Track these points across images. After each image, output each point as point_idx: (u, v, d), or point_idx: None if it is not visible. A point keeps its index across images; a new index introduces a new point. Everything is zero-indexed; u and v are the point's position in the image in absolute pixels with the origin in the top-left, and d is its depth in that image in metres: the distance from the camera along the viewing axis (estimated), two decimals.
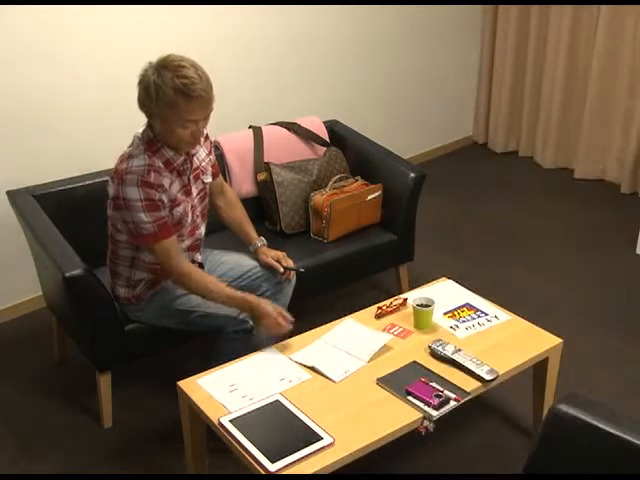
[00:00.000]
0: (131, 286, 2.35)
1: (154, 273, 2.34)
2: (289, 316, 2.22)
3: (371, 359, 2.13)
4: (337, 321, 2.32)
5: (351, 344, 2.19)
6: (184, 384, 2.05)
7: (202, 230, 2.41)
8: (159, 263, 2.24)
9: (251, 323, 2.27)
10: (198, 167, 2.32)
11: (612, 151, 4.38)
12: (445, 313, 2.37)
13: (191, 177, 2.29)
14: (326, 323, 2.31)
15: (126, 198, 2.11)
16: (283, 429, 1.87)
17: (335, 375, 2.06)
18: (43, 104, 2.95)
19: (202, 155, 2.35)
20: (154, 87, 2.04)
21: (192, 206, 2.32)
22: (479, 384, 2.04)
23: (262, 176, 3.02)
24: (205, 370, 2.10)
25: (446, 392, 1.97)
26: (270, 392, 2.00)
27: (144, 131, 2.20)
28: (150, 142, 2.17)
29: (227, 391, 2.01)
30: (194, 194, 2.32)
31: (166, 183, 2.18)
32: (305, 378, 2.06)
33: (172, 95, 2.03)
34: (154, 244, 2.18)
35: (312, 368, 2.09)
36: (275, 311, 2.20)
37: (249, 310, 2.22)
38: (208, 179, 2.39)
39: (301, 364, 2.11)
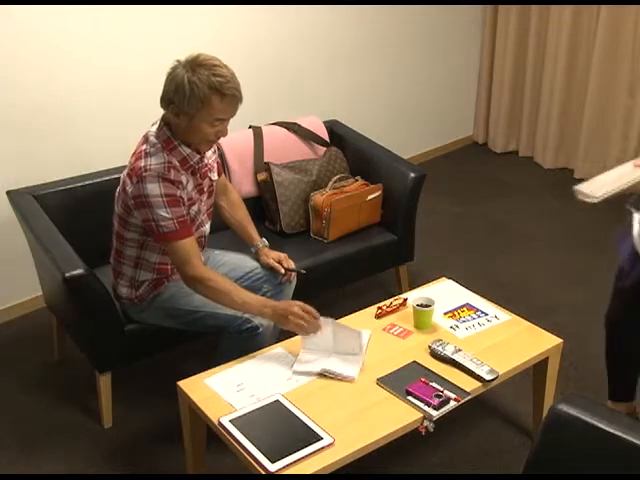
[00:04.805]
0: (134, 286, 2.35)
1: (159, 274, 2.34)
2: (313, 310, 2.11)
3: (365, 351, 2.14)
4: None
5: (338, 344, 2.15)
6: (184, 384, 2.05)
7: (207, 228, 2.41)
8: (176, 264, 2.19)
9: (255, 322, 2.24)
10: (206, 165, 2.33)
11: (612, 151, 4.37)
12: (445, 313, 2.37)
13: (202, 175, 2.30)
14: None
15: (147, 195, 2.11)
16: (283, 429, 1.87)
17: (347, 371, 2.05)
18: (43, 104, 2.95)
19: (208, 152, 2.35)
20: (188, 84, 2.04)
21: (203, 204, 2.33)
22: (479, 384, 2.04)
23: (262, 176, 3.02)
24: (205, 370, 2.10)
25: (446, 392, 1.97)
26: (277, 392, 1.99)
27: (159, 129, 2.19)
28: (167, 140, 2.17)
29: (234, 390, 2.00)
30: (205, 192, 2.33)
31: (184, 181, 2.19)
32: (312, 378, 2.06)
33: (207, 92, 2.05)
34: (174, 242, 2.14)
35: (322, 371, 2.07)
36: (298, 307, 2.10)
37: (271, 313, 2.12)
38: (215, 176, 2.41)
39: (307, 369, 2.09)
